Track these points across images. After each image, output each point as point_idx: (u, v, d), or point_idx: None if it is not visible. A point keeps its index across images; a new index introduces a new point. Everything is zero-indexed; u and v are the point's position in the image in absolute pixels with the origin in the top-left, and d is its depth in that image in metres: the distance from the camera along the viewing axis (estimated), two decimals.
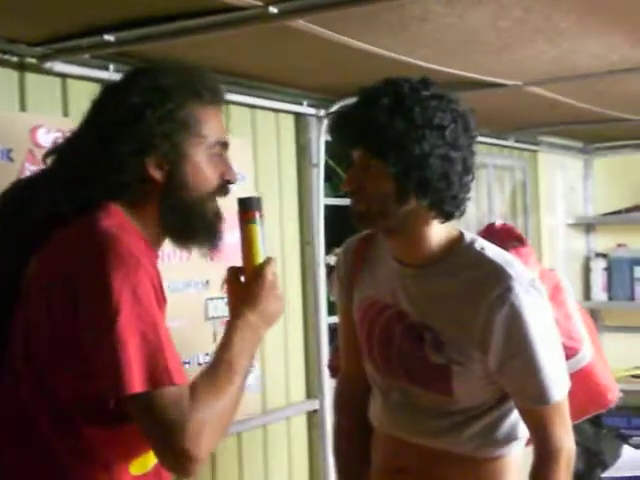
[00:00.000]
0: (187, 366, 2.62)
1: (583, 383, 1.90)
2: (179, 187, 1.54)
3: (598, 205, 5.37)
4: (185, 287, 2.66)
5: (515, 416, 1.81)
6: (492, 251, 1.78)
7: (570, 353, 1.83)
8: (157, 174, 1.53)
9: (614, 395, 2.09)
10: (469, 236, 1.81)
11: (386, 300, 1.84)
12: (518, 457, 1.86)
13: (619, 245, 5.21)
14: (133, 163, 1.51)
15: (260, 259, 1.60)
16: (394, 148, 1.65)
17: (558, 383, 1.73)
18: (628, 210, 5.13)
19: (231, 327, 1.53)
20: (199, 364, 2.68)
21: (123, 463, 1.52)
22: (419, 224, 1.75)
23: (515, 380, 1.73)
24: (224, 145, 1.61)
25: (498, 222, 1.94)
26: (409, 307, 1.80)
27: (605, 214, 5.27)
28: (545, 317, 1.74)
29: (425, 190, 1.68)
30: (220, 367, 1.47)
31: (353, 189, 1.73)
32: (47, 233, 1.53)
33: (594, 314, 5.41)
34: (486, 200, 4.39)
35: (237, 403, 1.48)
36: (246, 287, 1.59)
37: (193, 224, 1.58)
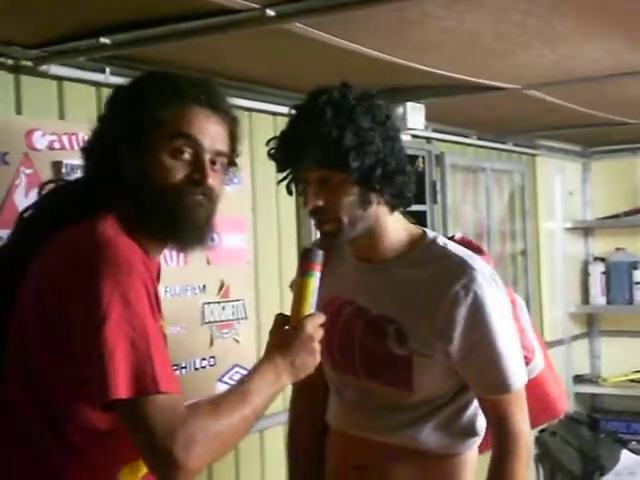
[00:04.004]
0: (184, 371, 2.61)
1: (534, 392, 1.93)
2: (140, 179, 1.51)
3: (596, 209, 5.37)
4: (182, 292, 2.64)
5: (472, 411, 1.85)
6: (454, 247, 1.83)
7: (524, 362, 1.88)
8: (126, 163, 1.51)
9: (563, 405, 2.14)
10: (432, 233, 1.86)
11: (346, 297, 1.87)
12: (474, 457, 1.90)
13: (617, 249, 5.21)
14: (105, 149, 1.53)
15: (308, 311, 1.62)
16: (353, 156, 1.67)
17: (518, 372, 1.78)
18: (627, 214, 5.12)
19: (257, 366, 1.55)
20: (196, 369, 2.67)
21: (112, 469, 1.52)
22: (380, 223, 1.79)
23: (477, 369, 1.77)
24: (194, 142, 1.53)
25: (457, 235, 1.99)
26: (369, 302, 1.83)
27: (603, 218, 5.26)
28: (505, 309, 1.80)
29: (388, 184, 1.73)
30: (231, 394, 1.48)
31: (319, 207, 1.73)
32: (48, 238, 1.53)
33: (592, 318, 5.41)
34: (484, 204, 4.37)
35: (240, 432, 1.46)
36: (284, 334, 1.61)
37: (153, 220, 1.53)
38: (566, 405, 2.17)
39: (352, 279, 1.88)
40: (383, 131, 1.72)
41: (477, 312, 1.73)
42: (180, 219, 1.53)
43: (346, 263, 1.90)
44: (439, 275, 1.76)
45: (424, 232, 1.86)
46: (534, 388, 1.94)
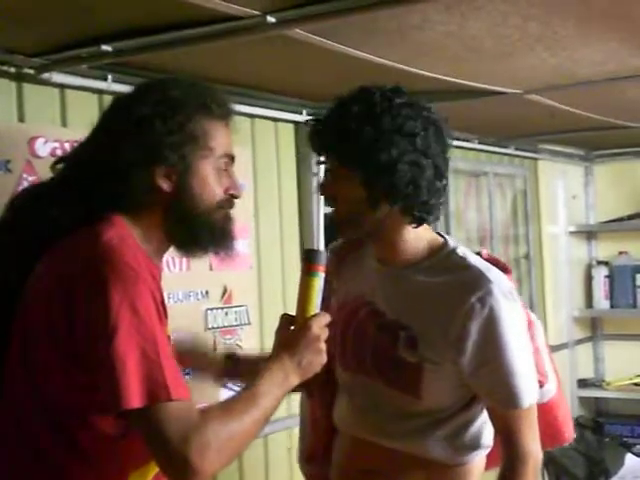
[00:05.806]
0: (187, 377, 2.60)
1: (545, 418, 1.91)
2: (186, 198, 1.57)
3: (599, 212, 5.37)
4: (185, 298, 2.65)
5: (480, 423, 1.84)
6: (474, 258, 1.82)
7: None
8: (165, 185, 1.55)
9: (570, 434, 2.12)
10: (452, 243, 1.85)
11: (364, 298, 1.88)
12: (481, 466, 1.89)
13: (621, 252, 5.20)
14: (141, 173, 1.53)
15: (313, 312, 1.64)
16: (362, 155, 1.68)
17: (529, 388, 1.75)
18: (630, 217, 5.11)
19: (265, 367, 1.57)
20: None
21: (122, 474, 1.52)
22: (394, 228, 1.78)
23: (488, 383, 1.75)
24: (231, 159, 1.64)
25: (484, 252, 1.98)
26: (385, 306, 1.83)
27: (607, 221, 5.26)
28: (521, 324, 1.78)
29: (394, 196, 1.71)
30: (241, 397, 1.51)
31: (327, 196, 1.78)
32: (50, 243, 1.54)
33: (596, 322, 5.41)
34: (487, 208, 4.37)
35: (252, 434, 1.49)
36: (291, 334, 1.63)
37: (198, 234, 1.60)
38: (573, 432, 2.13)
39: (371, 281, 1.88)
40: (408, 143, 1.68)
41: (491, 326, 1.70)
42: (225, 233, 1.63)
43: (368, 264, 1.90)
44: (456, 285, 1.75)
45: (445, 241, 1.85)
46: (545, 413, 1.92)
